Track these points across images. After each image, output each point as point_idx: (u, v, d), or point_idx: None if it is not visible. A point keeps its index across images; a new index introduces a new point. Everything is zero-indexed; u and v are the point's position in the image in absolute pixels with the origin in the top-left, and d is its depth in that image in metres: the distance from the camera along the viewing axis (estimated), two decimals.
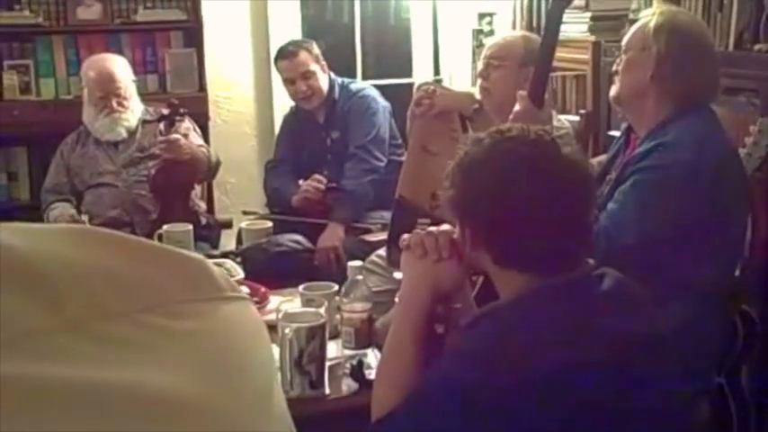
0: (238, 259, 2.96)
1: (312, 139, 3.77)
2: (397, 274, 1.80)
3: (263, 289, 2.54)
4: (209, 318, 0.54)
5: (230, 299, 0.57)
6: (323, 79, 3.70)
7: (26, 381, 0.44)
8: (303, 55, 3.66)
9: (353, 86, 3.81)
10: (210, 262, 0.59)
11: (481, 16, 4.73)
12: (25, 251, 0.48)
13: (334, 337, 2.21)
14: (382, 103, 3.75)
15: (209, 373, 0.51)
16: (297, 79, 3.65)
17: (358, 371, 2.07)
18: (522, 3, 4.40)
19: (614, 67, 2.41)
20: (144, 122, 3.60)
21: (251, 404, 0.54)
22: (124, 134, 3.54)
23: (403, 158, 3.12)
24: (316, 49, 3.72)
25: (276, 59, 3.76)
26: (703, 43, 2.32)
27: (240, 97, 4.63)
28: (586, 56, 3.80)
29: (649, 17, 2.30)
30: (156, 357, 0.49)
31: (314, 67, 3.66)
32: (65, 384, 0.45)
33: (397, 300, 1.73)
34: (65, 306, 0.47)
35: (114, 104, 3.49)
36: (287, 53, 3.69)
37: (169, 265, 0.54)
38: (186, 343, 0.51)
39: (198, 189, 3.72)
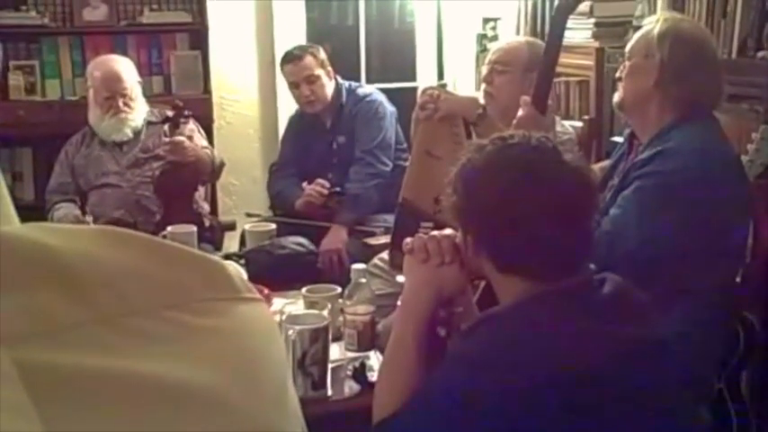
0: (242, 261, 2.96)
1: (318, 143, 3.78)
2: (400, 278, 1.81)
3: (266, 291, 2.54)
4: (228, 316, 0.56)
5: (246, 299, 0.59)
6: (328, 85, 3.71)
7: (65, 369, 0.46)
8: (308, 59, 3.67)
9: (361, 91, 3.81)
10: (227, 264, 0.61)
11: (485, 21, 4.74)
12: (59, 249, 0.51)
13: (336, 339, 2.22)
14: (389, 107, 3.76)
15: (227, 368, 0.53)
16: (301, 83, 3.67)
17: (360, 373, 2.08)
18: (526, 8, 4.41)
19: (618, 74, 2.42)
20: (149, 124, 3.61)
21: (267, 399, 0.56)
22: (130, 134, 3.55)
23: (407, 163, 3.13)
24: (322, 55, 3.73)
25: (282, 63, 3.77)
26: (707, 51, 2.33)
27: (245, 100, 4.64)
28: (590, 62, 3.80)
29: (653, 24, 2.31)
30: (179, 351, 0.52)
31: (318, 71, 3.67)
32: (97, 373, 0.47)
33: (399, 303, 1.74)
34: (96, 301, 0.50)
35: (120, 105, 3.50)
36: (292, 57, 3.71)
37: (190, 266, 0.57)
38: (207, 339, 0.54)
39: (201, 191, 3.73)
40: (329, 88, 3.71)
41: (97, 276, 0.51)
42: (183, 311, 0.53)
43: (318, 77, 3.67)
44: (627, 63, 2.36)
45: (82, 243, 0.53)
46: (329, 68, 3.73)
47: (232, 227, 3.82)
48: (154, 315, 0.52)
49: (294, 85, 3.70)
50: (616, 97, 2.40)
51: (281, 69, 3.79)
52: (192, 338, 0.53)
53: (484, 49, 4.48)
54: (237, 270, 0.61)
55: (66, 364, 0.46)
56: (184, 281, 0.55)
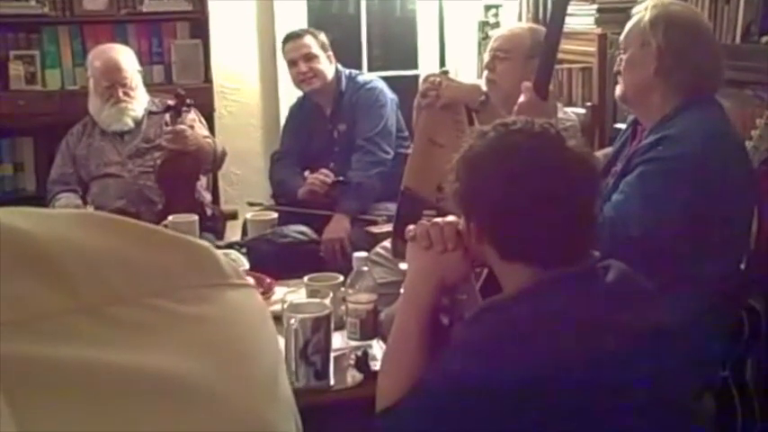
0: (243, 250, 2.96)
1: (319, 132, 3.78)
2: (403, 266, 1.80)
3: (268, 280, 2.54)
4: (215, 303, 0.55)
5: (236, 286, 0.57)
6: (327, 67, 3.70)
7: (40, 361, 0.45)
8: (307, 38, 3.69)
9: (361, 78, 3.81)
10: (216, 249, 0.59)
11: (487, 8, 4.72)
12: (38, 235, 0.49)
13: (339, 328, 2.21)
14: (390, 95, 3.75)
15: (215, 357, 0.52)
16: (298, 60, 3.67)
17: (363, 362, 2.07)
18: None
19: (616, 68, 2.39)
20: (150, 113, 3.60)
21: (256, 388, 0.55)
22: (131, 124, 3.54)
23: (409, 151, 3.12)
24: (322, 38, 3.74)
25: (283, 44, 3.80)
26: (701, 29, 2.31)
27: (246, 89, 4.63)
28: (593, 48, 3.79)
29: (642, 12, 2.29)
30: (163, 340, 0.50)
31: (317, 51, 3.67)
32: (75, 365, 0.46)
33: (401, 291, 1.73)
34: (77, 290, 0.48)
35: (120, 94, 3.50)
36: (292, 35, 3.74)
37: (176, 251, 0.55)
38: (193, 327, 0.52)
39: (203, 180, 3.72)
40: (329, 71, 3.71)
41: (76, 262, 0.49)
42: (167, 299, 0.52)
43: (316, 56, 3.67)
44: (623, 56, 2.33)
45: (60, 228, 0.51)
46: (330, 53, 3.73)
47: (234, 216, 3.82)
48: (137, 303, 0.50)
49: (292, 63, 3.70)
50: (618, 91, 2.38)
51: (283, 50, 3.80)
52: (176, 327, 0.51)
53: (486, 36, 4.47)
54: (238, 260, 0.60)
55: (41, 355, 0.45)
56: (169, 267, 0.54)
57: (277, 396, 0.57)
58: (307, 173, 3.65)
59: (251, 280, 0.62)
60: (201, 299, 0.54)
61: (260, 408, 0.54)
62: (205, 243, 0.59)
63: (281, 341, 1.91)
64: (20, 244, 0.48)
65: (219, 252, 0.59)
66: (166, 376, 0.48)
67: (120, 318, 0.49)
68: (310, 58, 3.66)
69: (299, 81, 3.74)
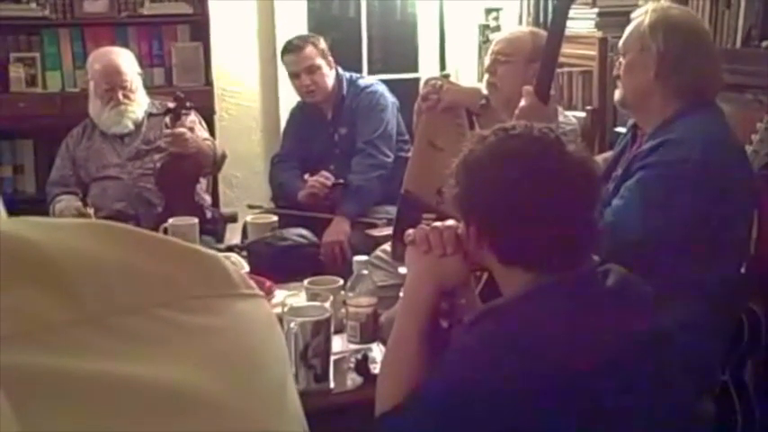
0: (243, 253, 2.95)
1: (319, 135, 3.77)
2: (402, 269, 1.80)
3: (268, 283, 2.53)
4: (223, 314, 0.54)
5: (244, 296, 0.57)
6: (328, 75, 3.70)
7: (46, 373, 0.44)
8: (309, 49, 3.66)
9: (362, 82, 3.81)
10: (216, 253, 0.59)
11: (488, 11, 4.72)
12: (43, 245, 0.49)
13: (339, 331, 2.21)
14: (390, 98, 3.75)
15: (222, 369, 0.51)
16: (301, 73, 3.66)
17: (363, 365, 2.07)
18: None
19: (615, 72, 2.39)
20: (150, 115, 3.60)
21: (264, 400, 0.54)
22: (131, 126, 3.54)
23: (409, 154, 3.12)
24: (322, 44, 3.72)
25: (282, 53, 3.77)
26: (701, 35, 2.32)
27: (246, 91, 4.63)
28: (593, 52, 3.79)
29: (642, 16, 2.29)
30: (170, 352, 0.49)
31: (319, 61, 3.66)
32: (81, 377, 0.45)
33: (401, 295, 1.73)
34: (82, 300, 0.48)
35: (120, 97, 3.50)
36: (293, 47, 3.70)
37: (184, 261, 0.54)
38: (200, 338, 0.52)
39: (203, 183, 3.72)
40: (330, 78, 3.70)
41: (82, 273, 0.49)
42: (175, 309, 0.51)
43: (319, 67, 3.65)
44: (622, 60, 2.33)
45: (66, 238, 0.51)
46: (330, 58, 3.72)
47: (234, 219, 3.81)
48: (143, 313, 0.50)
49: (294, 75, 3.69)
50: (617, 95, 2.37)
51: (282, 59, 3.78)
52: (184, 338, 0.50)
53: (486, 40, 4.47)
54: (238, 263, 0.59)
55: (46, 367, 0.44)
56: (177, 276, 0.53)
57: (285, 407, 0.56)
58: (307, 176, 3.64)
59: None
60: (209, 309, 0.53)
61: (267, 419, 0.53)
62: (214, 252, 0.58)
63: None
64: (25, 254, 0.48)
65: (228, 260, 0.58)
66: (173, 387, 0.47)
67: (126, 329, 0.48)
68: (313, 70, 3.65)
69: (302, 93, 3.73)
